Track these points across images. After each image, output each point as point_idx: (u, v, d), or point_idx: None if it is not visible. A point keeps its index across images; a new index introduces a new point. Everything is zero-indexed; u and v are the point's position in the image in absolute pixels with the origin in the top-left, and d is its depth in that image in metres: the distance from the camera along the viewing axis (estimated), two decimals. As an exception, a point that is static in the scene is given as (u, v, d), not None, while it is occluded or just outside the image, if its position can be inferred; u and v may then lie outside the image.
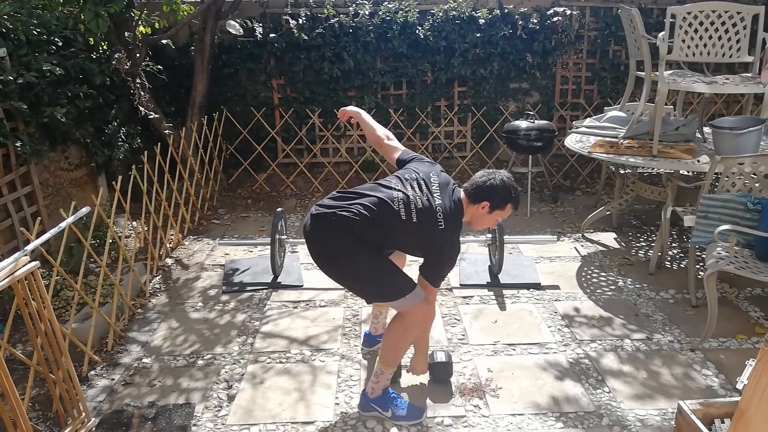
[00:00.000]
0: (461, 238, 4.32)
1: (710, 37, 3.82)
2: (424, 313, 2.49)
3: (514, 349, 3.11)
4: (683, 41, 3.82)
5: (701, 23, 3.79)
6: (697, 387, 2.78)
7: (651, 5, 6.02)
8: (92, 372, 2.96)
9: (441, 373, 2.82)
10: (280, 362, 3.04)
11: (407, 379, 2.85)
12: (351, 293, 3.71)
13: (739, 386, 2.73)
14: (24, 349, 3.13)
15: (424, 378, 2.85)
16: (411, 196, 2.39)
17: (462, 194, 2.51)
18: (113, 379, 2.91)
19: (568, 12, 5.87)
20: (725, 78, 3.93)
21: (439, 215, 2.36)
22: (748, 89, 3.85)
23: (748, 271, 2.95)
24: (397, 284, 2.44)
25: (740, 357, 2.96)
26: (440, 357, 2.83)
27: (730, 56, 3.87)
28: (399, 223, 2.36)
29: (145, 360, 3.08)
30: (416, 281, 2.48)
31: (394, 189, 2.43)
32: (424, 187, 2.44)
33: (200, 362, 3.06)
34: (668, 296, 3.66)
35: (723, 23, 3.80)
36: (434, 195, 2.42)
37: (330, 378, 2.90)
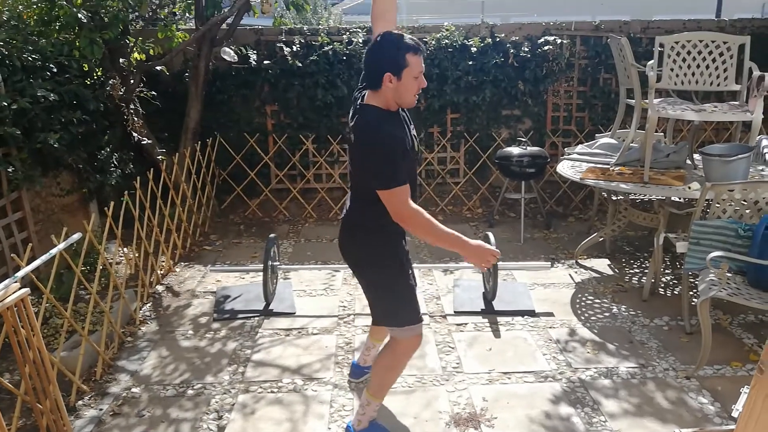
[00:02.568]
0: (455, 264, 4.37)
1: (698, 66, 3.89)
2: (416, 344, 2.45)
3: (509, 378, 3.08)
4: (672, 70, 3.89)
5: (689, 52, 3.86)
6: (693, 415, 2.76)
7: (640, 34, 6.13)
8: (80, 402, 2.90)
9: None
10: (272, 392, 3.00)
11: (398, 410, 2.81)
12: (343, 321, 3.70)
13: (735, 414, 2.71)
14: (11, 377, 3.07)
15: (416, 406, 2.81)
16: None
17: (366, 93, 2.36)
18: (101, 410, 2.86)
19: (559, 41, 5.97)
20: (714, 106, 3.99)
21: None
22: (737, 117, 3.91)
23: (740, 298, 2.96)
24: (409, 312, 2.40)
25: (735, 384, 2.94)
26: None
27: (718, 84, 3.94)
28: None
29: (134, 389, 3.03)
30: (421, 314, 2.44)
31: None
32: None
33: (190, 392, 3.01)
34: (662, 323, 3.65)
35: (710, 52, 3.87)
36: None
37: (322, 408, 2.85)
